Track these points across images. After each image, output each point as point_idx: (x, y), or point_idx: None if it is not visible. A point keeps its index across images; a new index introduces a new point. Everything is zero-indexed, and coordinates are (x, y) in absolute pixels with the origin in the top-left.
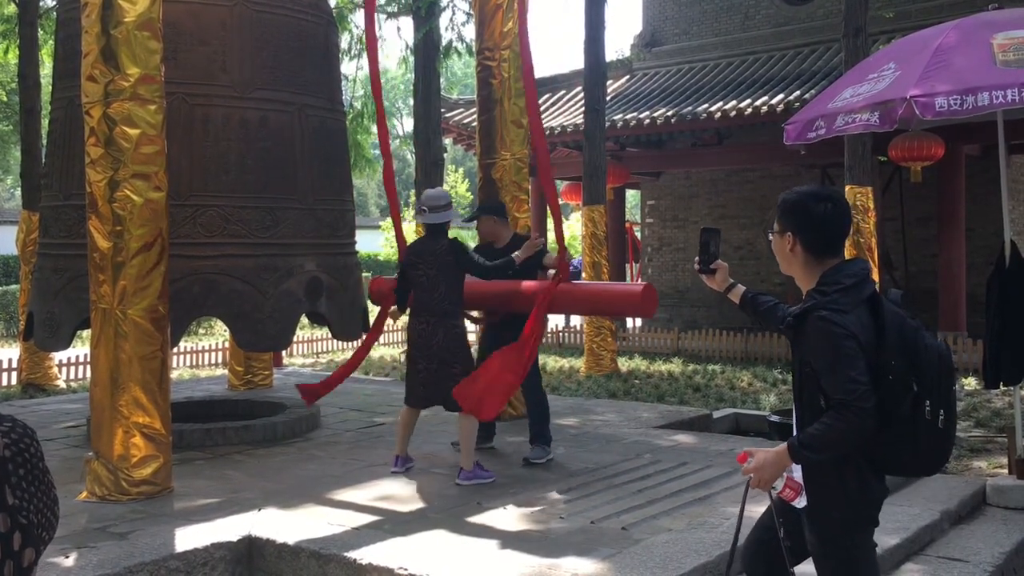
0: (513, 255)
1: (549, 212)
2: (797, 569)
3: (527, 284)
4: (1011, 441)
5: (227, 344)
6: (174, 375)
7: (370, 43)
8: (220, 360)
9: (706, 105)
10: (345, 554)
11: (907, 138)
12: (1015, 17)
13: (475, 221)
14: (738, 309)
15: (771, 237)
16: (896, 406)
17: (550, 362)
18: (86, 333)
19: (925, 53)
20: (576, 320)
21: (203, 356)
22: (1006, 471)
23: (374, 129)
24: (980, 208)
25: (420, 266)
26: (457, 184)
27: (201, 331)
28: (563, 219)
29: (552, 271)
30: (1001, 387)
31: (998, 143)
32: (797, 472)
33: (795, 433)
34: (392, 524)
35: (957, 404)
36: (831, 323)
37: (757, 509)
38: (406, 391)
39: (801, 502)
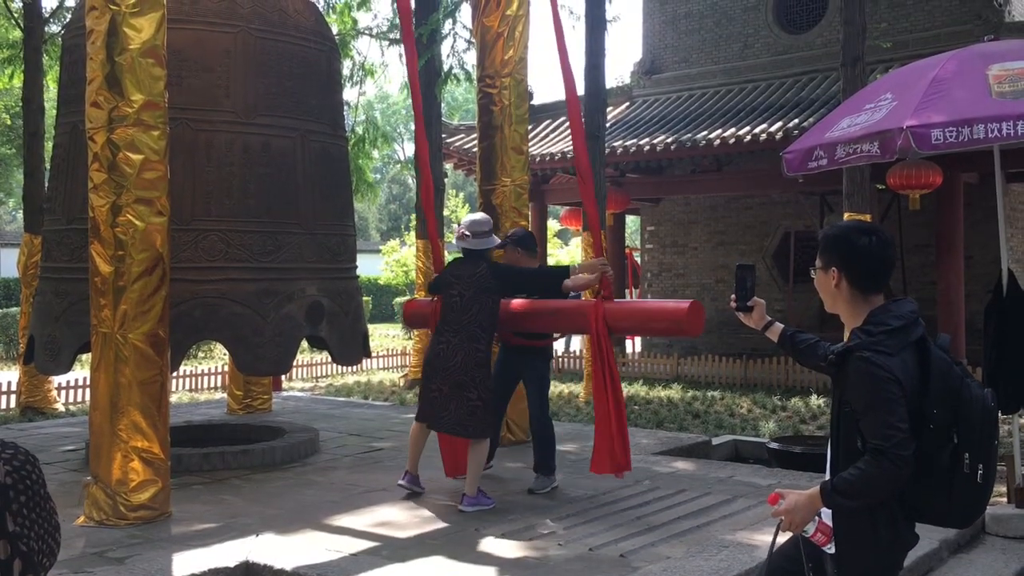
0: (572, 266)
1: (590, 233)
2: None
3: (569, 303)
4: (1010, 470)
5: (226, 368)
6: (173, 398)
7: (411, 65)
8: (219, 384)
9: (705, 132)
10: None
11: (905, 166)
12: (1011, 48)
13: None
14: (777, 346)
15: (813, 274)
16: (935, 456)
17: (551, 387)
18: (85, 356)
19: (922, 84)
20: (576, 345)
21: (202, 380)
22: (1005, 500)
23: (375, 154)
24: (978, 236)
25: (456, 286)
26: (458, 209)
27: (201, 354)
28: (563, 244)
29: (580, 286)
30: (1000, 415)
31: (994, 171)
32: (828, 516)
33: (828, 472)
34: (390, 550)
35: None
36: (874, 365)
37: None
38: (419, 406)
39: (832, 548)
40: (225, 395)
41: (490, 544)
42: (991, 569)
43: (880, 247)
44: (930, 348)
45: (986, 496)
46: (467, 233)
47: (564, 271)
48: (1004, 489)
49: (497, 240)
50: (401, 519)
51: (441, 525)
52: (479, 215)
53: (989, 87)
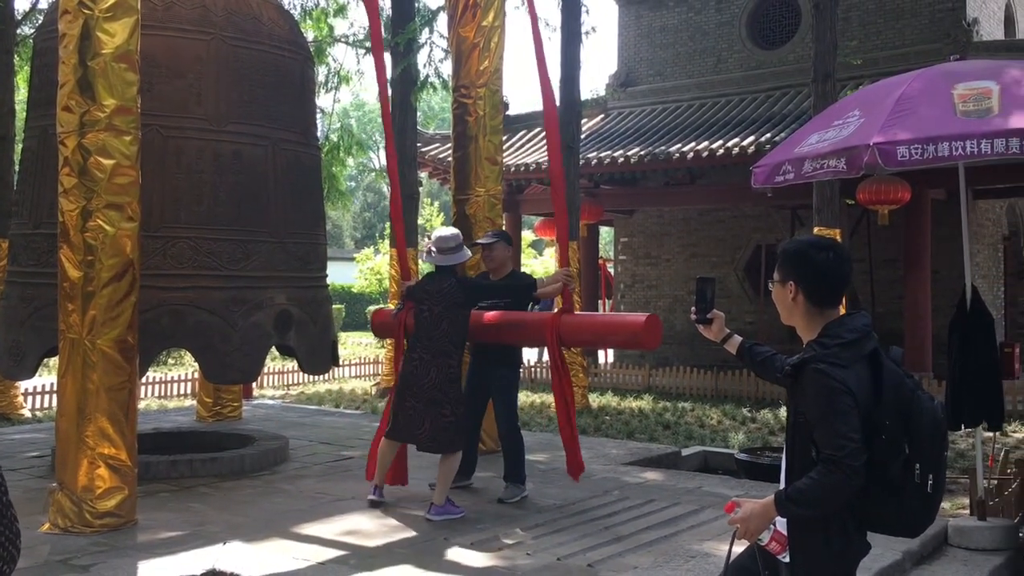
0: (539, 279)
1: (556, 244)
2: None
3: (531, 315)
4: (973, 483)
5: (196, 375)
6: (142, 405)
7: (381, 80)
8: (189, 391)
9: (679, 145)
10: None
11: (874, 182)
12: (976, 68)
13: (487, 248)
14: (735, 358)
15: (771, 287)
16: (886, 466)
17: (521, 397)
18: (53, 362)
19: (888, 101)
20: (548, 355)
21: (172, 387)
22: (968, 512)
23: (350, 161)
24: (945, 251)
25: (426, 302)
26: (433, 218)
27: (171, 361)
28: (537, 255)
29: (542, 299)
30: (963, 429)
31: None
32: (783, 525)
33: (783, 481)
34: (358, 559)
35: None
36: (828, 376)
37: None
38: (389, 423)
39: (786, 556)
40: (195, 402)
41: (458, 553)
42: None
43: (836, 263)
44: (883, 361)
45: (936, 505)
46: (432, 249)
47: (532, 284)
48: (967, 501)
49: (467, 254)
50: (369, 528)
51: (409, 534)
52: (447, 230)
53: (954, 106)
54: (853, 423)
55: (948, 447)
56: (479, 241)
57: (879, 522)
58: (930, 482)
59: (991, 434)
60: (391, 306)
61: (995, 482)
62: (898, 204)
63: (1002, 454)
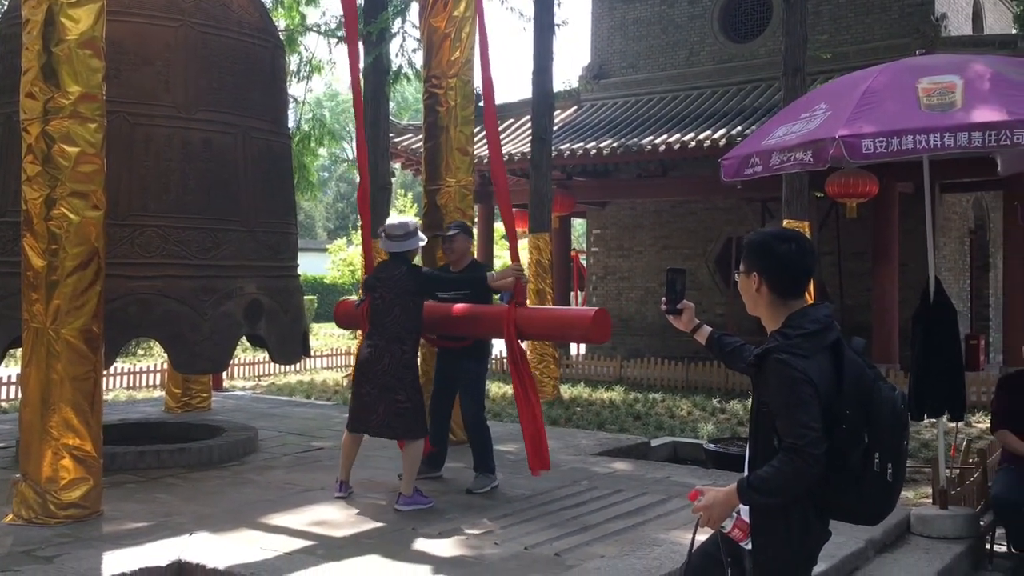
0: (489, 273)
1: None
2: None
3: (485, 308)
4: (935, 472)
5: (165, 365)
6: (110, 396)
7: (353, 69)
8: (158, 381)
9: (651, 137)
10: None
11: (843, 175)
12: (940, 63)
13: (447, 240)
14: (705, 349)
15: (737, 277)
16: (846, 455)
17: (493, 388)
18: (18, 352)
19: (854, 94)
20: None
21: (141, 377)
22: (930, 501)
23: (321, 151)
24: (913, 244)
25: (379, 289)
26: (406, 209)
27: (140, 352)
28: (508, 246)
29: (505, 292)
30: (926, 419)
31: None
32: (746, 512)
33: (746, 469)
34: (326, 549)
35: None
36: (790, 367)
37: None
38: (349, 415)
39: (749, 543)
40: (164, 393)
41: (426, 543)
42: (915, 568)
43: (799, 255)
44: (844, 351)
45: (896, 494)
46: (382, 234)
47: (483, 277)
48: (930, 491)
49: (419, 243)
50: (338, 518)
51: (377, 524)
52: (399, 218)
53: (918, 99)
54: (814, 412)
55: (908, 437)
56: (438, 233)
57: (840, 510)
58: (889, 471)
59: (953, 424)
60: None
61: (957, 472)
62: (866, 197)
63: (964, 444)
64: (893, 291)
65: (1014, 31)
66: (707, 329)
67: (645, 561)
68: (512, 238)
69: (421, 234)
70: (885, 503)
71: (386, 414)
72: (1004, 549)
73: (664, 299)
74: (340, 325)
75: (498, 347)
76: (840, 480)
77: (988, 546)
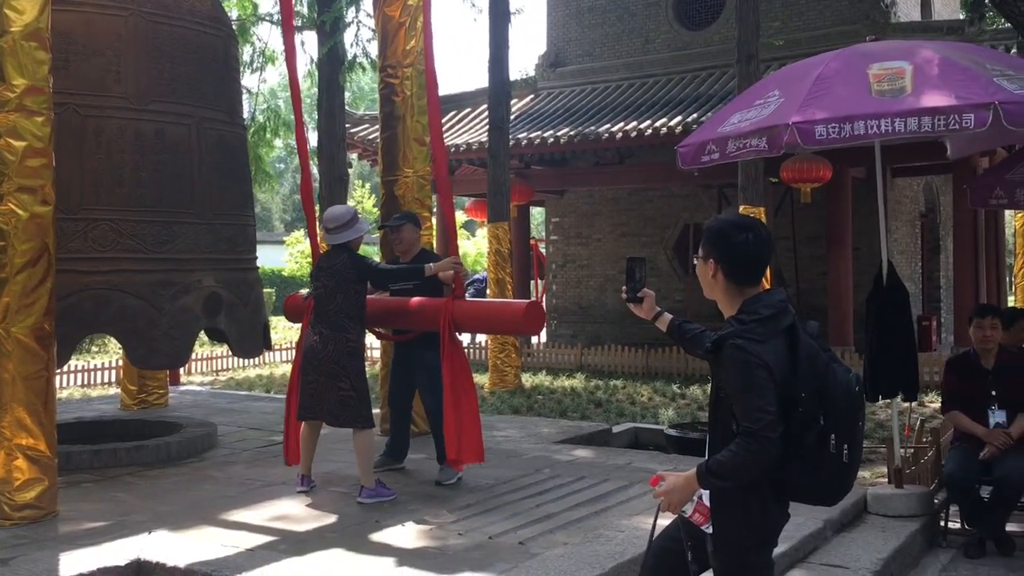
0: (427, 265)
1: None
2: None
3: (427, 300)
4: (890, 452)
5: (120, 362)
6: (64, 394)
7: (289, 56)
8: (113, 379)
9: (608, 125)
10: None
11: (797, 161)
12: (890, 48)
13: (395, 230)
14: (666, 335)
15: (695, 261)
16: (802, 438)
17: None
18: None
19: (807, 81)
20: (481, 336)
21: (95, 375)
22: (886, 480)
23: (277, 143)
24: (866, 228)
25: (321, 278)
26: (364, 200)
27: (94, 348)
28: (469, 236)
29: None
30: (880, 400)
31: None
32: (707, 497)
33: (707, 454)
34: (288, 544)
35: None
36: (745, 351)
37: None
38: (298, 405)
39: (710, 527)
40: (119, 390)
41: (390, 535)
42: (871, 546)
43: (755, 244)
44: (799, 335)
45: (852, 475)
46: (325, 227)
47: (419, 269)
48: (885, 470)
49: (361, 230)
50: (299, 513)
51: (340, 517)
52: (338, 208)
53: (869, 85)
54: (769, 396)
55: (864, 418)
56: (386, 223)
57: (797, 492)
58: (845, 452)
59: (907, 405)
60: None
61: (912, 451)
62: (820, 182)
63: (918, 424)
64: (847, 275)
65: (961, 16)
66: (668, 316)
67: (608, 547)
68: (451, 230)
69: (362, 222)
70: (842, 484)
71: (331, 402)
72: (957, 526)
73: (624, 288)
74: (289, 319)
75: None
76: (797, 462)
77: (942, 523)
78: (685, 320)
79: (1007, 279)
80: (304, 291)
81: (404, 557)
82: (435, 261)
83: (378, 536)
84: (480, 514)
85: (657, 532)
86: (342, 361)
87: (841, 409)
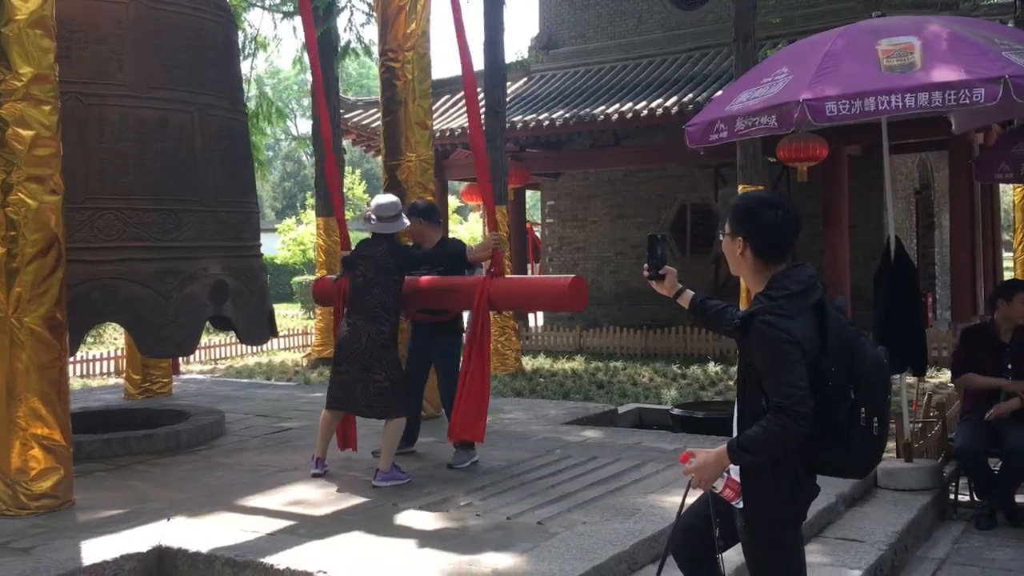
0: (469, 246)
1: (484, 208)
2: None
3: (463, 280)
4: (899, 426)
5: (120, 352)
6: None
7: (309, 35)
8: (112, 369)
9: (603, 107)
10: (262, 560)
11: (794, 139)
12: (897, 24)
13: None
14: (688, 312)
15: (722, 238)
16: (833, 412)
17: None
18: None
19: (815, 58)
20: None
21: (93, 365)
22: (895, 455)
23: (269, 130)
24: (862, 206)
25: (360, 267)
26: (355, 186)
27: (90, 340)
28: (463, 220)
29: (480, 263)
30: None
31: (877, 144)
32: (736, 472)
33: (734, 430)
34: (308, 528)
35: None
36: (775, 328)
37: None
38: (328, 393)
39: (740, 503)
40: (119, 380)
41: (408, 517)
42: (885, 520)
43: (786, 221)
44: (827, 310)
45: (881, 447)
46: (373, 217)
47: (462, 251)
48: (893, 445)
49: (405, 223)
50: (316, 497)
51: (357, 501)
52: (387, 198)
53: (878, 61)
54: (800, 371)
55: (891, 391)
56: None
57: (828, 465)
58: (875, 424)
59: (914, 379)
60: (322, 274)
61: (919, 425)
62: (816, 161)
63: (925, 398)
64: (844, 252)
65: None
66: (689, 293)
67: (627, 525)
68: (489, 205)
69: (404, 217)
70: (872, 456)
71: (365, 394)
72: (966, 498)
73: (646, 265)
74: (319, 303)
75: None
76: (828, 437)
77: (952, 496)
78: (708, 296)
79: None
80: (332, 276)
81: (425, 539)
82: (456, 248)
83: (397, 519)
84: (496, 495)
85: (685, 508)
86: (376, 353)
87: (871, 383)
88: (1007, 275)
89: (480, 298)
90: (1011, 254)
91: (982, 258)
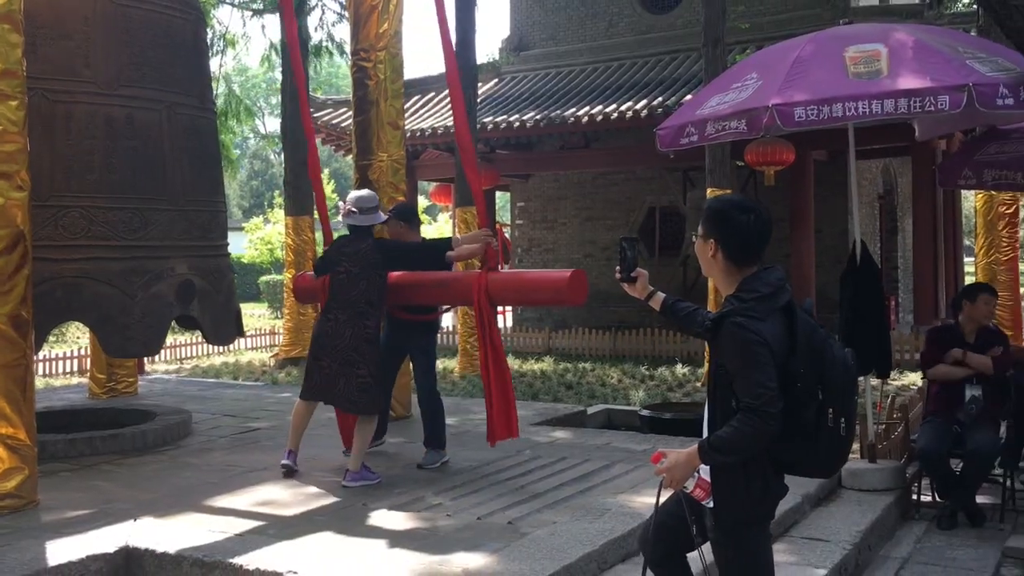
0: (454, 238)
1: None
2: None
3: (457, 274)
4: (863, 428)
5: (83, 351)
6: None
7: (290, 30)
8: (76, 368)
9: (573, 109)
10: (230, 560)
11: (761, 144)
12: (865, 31)
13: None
14: (658, 314)
15: (695, 240)
16: (801, 412)
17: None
18: None
19: (784, 64)
20: (448, 321)
21: (56, 364)
22: (859, 455)
23: (237, 128)
24: (828, 210)
25: (343, 263)
26: (324, 185)
27: (52, 338)
28: (431, 221)
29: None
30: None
31: (843, 149)
32: (707, 472)
33: (705, 430)
34: (277, 528)
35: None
36: (745, 329)
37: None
38: (303, 384)
39: (711, 502)
40: (83, 380)
41: (379, 517)
42: (849, 519)
43: (757, 225)
44: (796, 312)
45: (848, 447)
46: (354, 209)
47: (446, 243)
48: (858, 446)
49: (383, 216)
50: (285, 498)
51: (327, 501)
52: (365, 191)
53: (846, 68)
54: (770, 372)
55: (858, 392)
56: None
57: (796, 465)
58: (843, 425)
59: (878, 381)
60: (291, 273)
61: (883, 427)
62: (784, 165)
63: (889, 400)
64: (810, 255)
65: (916, 1)
66: (660, 295)
67: (597, 525)
68: (480, 201)
69: (380, 211)
70: (839, 456)
71: (347, 388)
72: (929, 498)
73: (618, 267)
74: (299, 299)
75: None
76: (796, 437)
77: (915, 496)
78: (678, 299)
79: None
80: (309, 273)
81: (396, 539)
82: (437, 242)
83: (368, 519)
84: (467, 495)
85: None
86: (360, 348)
87: (838, 384)
88: (968, 279)
89: (479, 293)
90: (972, 259)
91: (944, 262)
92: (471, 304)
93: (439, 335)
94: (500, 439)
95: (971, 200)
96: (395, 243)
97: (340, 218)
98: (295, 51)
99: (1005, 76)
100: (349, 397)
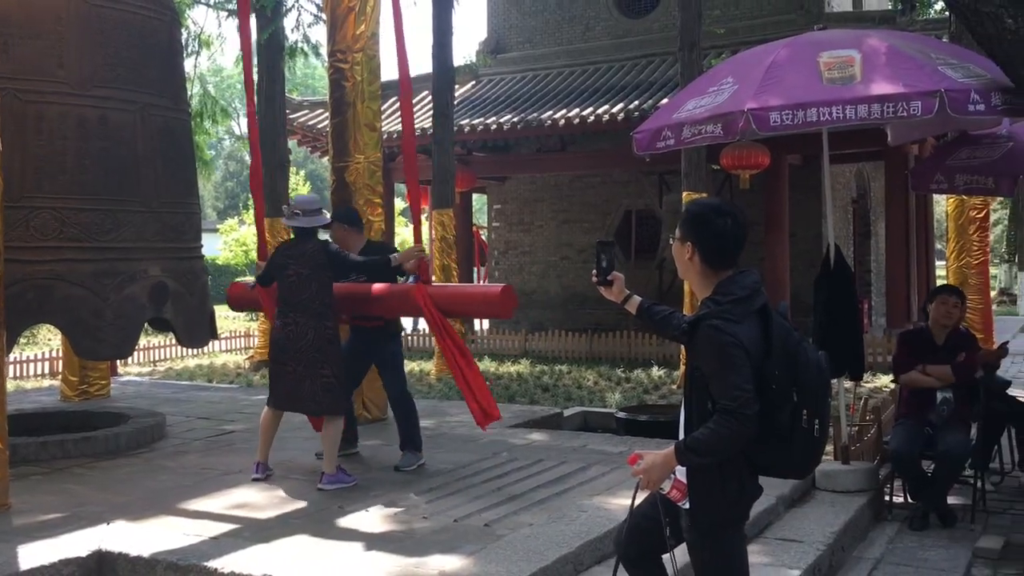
0: (392, 256)
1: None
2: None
3: (393, 287)
4: (836, 430)
5: (55, 353)
6: None
7: (244, 38)
8: (47, 370)
9: (550, 112)
10: (205, 564)
11: (737, 147)
12: (839, 37)
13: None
14: (634, 318)
15: (672, 242)
16: (776, 414)
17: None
18: None
19: (759, 69)
20: (424, 323)
21: (27, 367)
22: (832, 457)
23: (213, 130)
24: (802, 214)
25: (291, 266)
26: (299, 187)
27: (23, 340)
28: (407, 223)
29: (411, 273)
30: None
31: (817, 154)
32: (683, 474)
33: (681, 432)
34: (252, 531)
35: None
36: (722, 332)
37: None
38: (270, 392)
39: (687, 503)
40: (55, 382)
41: (354, 520)
42: (823, 520)
43: (734, 229)
44: (771, 315)
45: (821, 448)
46: (298, 211)
47: (386, 261)
48: (831, 448)
49: (327, 217)
50: (260, 500)
51: (302, 504)
52: (309, 195)
53: (820, 73)
54: (746, 374)
55: (831, 394)
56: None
57: (771, 466)
58: (816, 427)
59: (851, 384)
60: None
61: (856, 429)
62: (758, 169)
63: (862, 402)
64: (784, 259)
65: (888, 7)
66: (637, 299)
67: (573, 527)
68: (416, 218)
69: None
70: (813, 458)
71: (312, 389)
72: (901, 500)
73: (595, 271)
74: (234, 308)
75: (407, 324)
76: (771, 438)
77: (887, 497)
78: (654, 302)
79: (936, 263)
80: (250, 279)
81: (372, 541)
82: (386, 253)
83: (343, 521)
84: (443, 497)
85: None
86: (323, 348)
87: (812, 386)
88: (940, 282)
89: (424, 301)
90: (944, 262)
91: (916, 266)
92: (416, 314)
93: (415, 338)
94: (493, 420)
95: (943, 204)
96: (339, 252)
97: (284, 220)
98: (247, 61)
99: (976, 82)
100: (315, 398)
